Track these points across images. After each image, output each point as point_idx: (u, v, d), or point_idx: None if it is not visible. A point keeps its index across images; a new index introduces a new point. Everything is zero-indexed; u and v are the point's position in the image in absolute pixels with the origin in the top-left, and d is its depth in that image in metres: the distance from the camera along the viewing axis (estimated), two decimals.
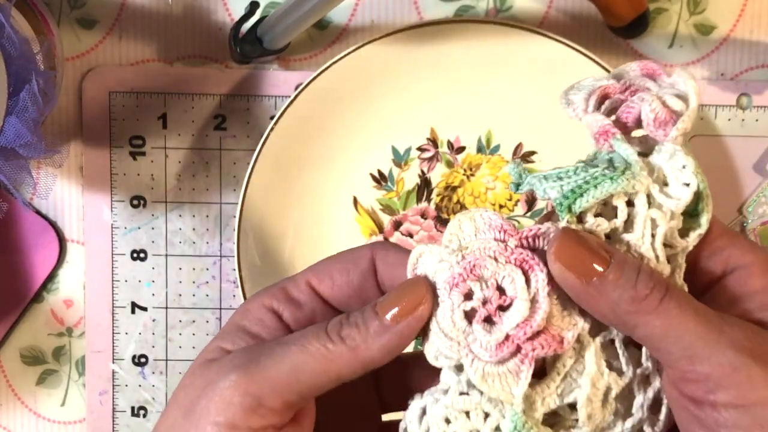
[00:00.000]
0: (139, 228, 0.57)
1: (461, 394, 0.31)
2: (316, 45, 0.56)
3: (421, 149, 0.56)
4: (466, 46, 0.54)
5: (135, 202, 0.57)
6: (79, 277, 0.58)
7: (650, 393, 0.32)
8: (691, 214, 0.31)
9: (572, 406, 0.31)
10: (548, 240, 0.31)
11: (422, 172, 0.56)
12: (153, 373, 0.58)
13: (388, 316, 0.31)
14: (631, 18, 0.52)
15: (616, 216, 0.31)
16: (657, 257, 0.31)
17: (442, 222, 0.56)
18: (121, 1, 0.56)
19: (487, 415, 0.31)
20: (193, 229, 0.57)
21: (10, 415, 0.59)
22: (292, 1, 0.49)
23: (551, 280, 0.30)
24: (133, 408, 0.58)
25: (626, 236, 0.31)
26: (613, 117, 0.32)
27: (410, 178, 0.56)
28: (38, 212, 0.57)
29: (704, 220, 0.31)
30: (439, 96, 0.55)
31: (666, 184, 0.31)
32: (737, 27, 0.56)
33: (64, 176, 0.57)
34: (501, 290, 0.31)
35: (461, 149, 0.56)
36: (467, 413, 0.31)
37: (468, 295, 0.31)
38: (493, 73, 0.54)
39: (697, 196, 0.31)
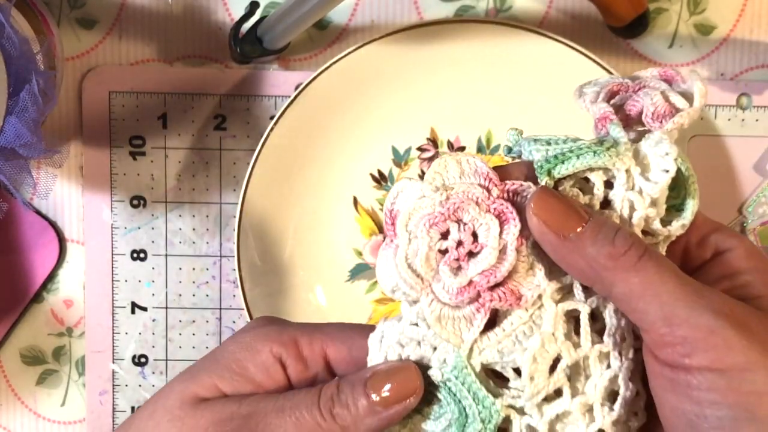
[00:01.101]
0: (139, 228, 0.57)
1: (411, 324, 0.32)
2: (316, 45, 0.56)
3: (421, 149, 0.56)
4: (466, 46, 0.54)
5: (135, 202, 0.57)
6: (79, 277, 0.58)
7: (607, 375, 0.32)
8: (678, 208, 0.32)
9: (519, 373, 0.32)
10: (527, 197, 0.31)
11: (422, 172, 0.56)
12: (153, 373, 0.58)
13: (377, 398, 0.31)
14: (631, 18, 0.52)
15: (593, 195, 0.32)
16: None
17: None
18: (121, 1, 0.56)
19: (434, 348, 0.32)
20: (193, 229, 0.57)
21: (10, 415, 0.59)
22: (292, 1, 0.49)
23: (522, 235, 0.31)
24: (133, 408, 0.58)
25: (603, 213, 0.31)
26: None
27: None
28: (38, 212, 0.57)
29: (688, 211, 0.32)
30: (439, 96, 0.55)
31: (648, 171, 0.32)
32: (737, 27, 0.56)
33: (64, 176, 0.57)
34: (474, 236, 0.31)
35: (461, 149, 0.56)
36: (419, 342, 0.32)
37: (444, 235, 0.31)
38: (493, 73, 0.54)
39: (685, 189, 0.32)
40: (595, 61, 0.52)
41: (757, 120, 0.56)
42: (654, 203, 0.31)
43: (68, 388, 0.59)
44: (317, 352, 0.34)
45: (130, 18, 0.56)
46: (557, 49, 0.53)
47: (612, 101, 0.33)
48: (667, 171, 0.31)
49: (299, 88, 0.53)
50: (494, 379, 0.32)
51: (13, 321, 0.58)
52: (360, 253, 0.57)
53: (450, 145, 0.56)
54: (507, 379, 0.32)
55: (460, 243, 0.31)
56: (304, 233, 0.56)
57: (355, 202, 0.56)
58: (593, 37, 0.56)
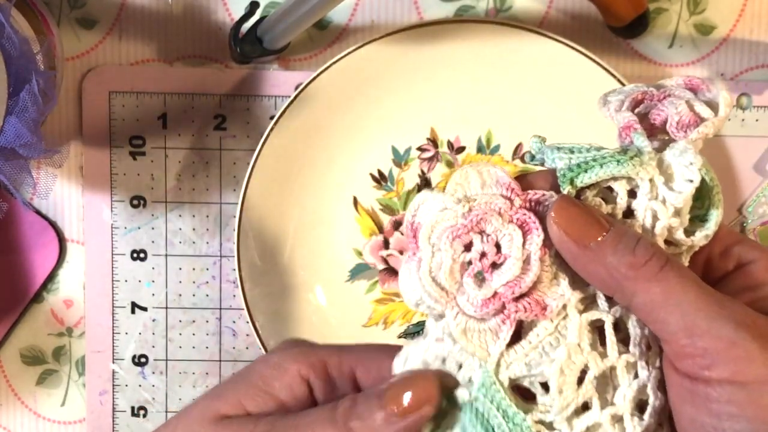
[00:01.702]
0: (139, 228, 0.57)
1: (437, 340, 0.32)
2: (316, 45, 0.56)
3: (421, 149, 0.56)
4: (466, 46, 0.54)
5: (135, 202, 0.57)
6: (79, 277, 0.58)
7: (635, 385, 0.31)
8: (701, 218, 0.32)
9: (546, 388, 0.31)
10: (549, 206, 0.31)
11: (422, 172, 0.56)
12: (153, 373, 0.58)
13: (394, 409, 0.31)
14: (631, 18, 0.52)
15: (616, 204, 0.32)
16: None
17: None
18: (121, 1, 0.56)
19: (460, 366, 0.32)
20: (193, 229, 0.58)
21: (10, 415, 0.59)
22: (292, 1, 0.49)
23: (545, 245, 0.31)
24: (133, 408, 0.58)
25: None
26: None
27: (410, 178, 0.56)
28: (38, 212, 0.57)
29: (712, 221, 0.32)
30: (439, 96, 0.55)
31: (672, 180, 0.31)
32: (737, 27, 0.56)
33: (64, 176, 0.57)
34: (498, 247, 0.31)
35: (461, 149, 0.56)
36: (443, 359, 0.32)
37: (467, 247, 0.31)
38: (493, 73, 0.54)
39: (709, 199, 0.32)
40: (595, 61, 0.52)
41: (757, 120, 0.56)
42: (678, 213, 0.31)
43: (68, 388, 0.59)
44: (346, 374, 0.34)
45: (130, 18, 0.56)
46: (557, 49, 0.53)
47: (636, 110, 0.33)
48: (692, 181, 0.31)
49: (299, 88, 0.53)
50: (520, 396, 0.32)
51: (13, 321, 0.58)
52: (360, 253, 0.57)
53: (450, 145, 0.56)
54: (532, 396, 0.32)
55: (483, 254, 0.31)
56: (304, 233, 0.56)
57: (355, 202, 0.56)
58: (593, 37, 0.56)
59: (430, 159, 0.56)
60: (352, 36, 0.56)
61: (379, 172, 0.56)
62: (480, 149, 0.56)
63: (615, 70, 0.53)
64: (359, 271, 0.57)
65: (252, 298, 0.55)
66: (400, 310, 0.57)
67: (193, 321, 0.58)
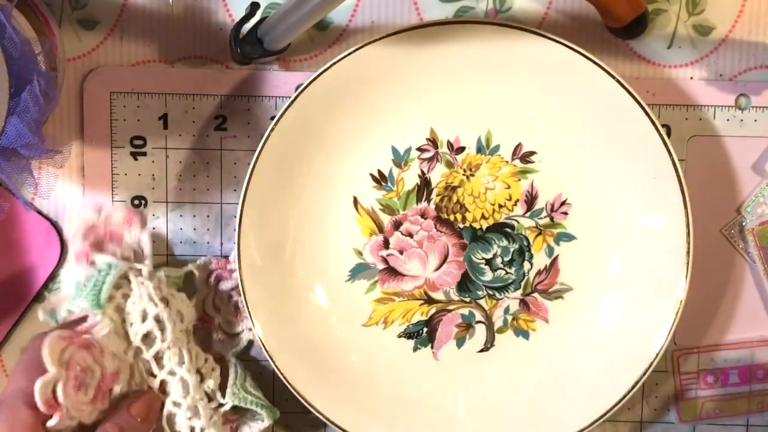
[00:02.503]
0: None
1: None
2: (317, 46, 0.57)
3: (421, 149, 0.56)
4: (466, 46, 0.54)
5: (136, 202, 0.57)
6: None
7: None
8: None
9: None
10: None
11: (422, 172, 0.56)
12: None
13: None
14: (630, 19, 0.52)
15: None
16: None
17: (441, 222, 0.56)
18: (122, 2, 0.56)
19: None
20: (194, 229, 0.58)
21: None
22: (292, 2, 0.50)
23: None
24: None
25: None
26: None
27: (410, 178, 0.56)
28: (39, 212, 0.58)
29: None
30: (439, 96, 0.55)
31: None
32: (736, 28, 0.56)
33: (65, 176, 0.57)
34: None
35: (461, 149, 0.56)
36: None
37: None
38: (492, 74, 0.55)
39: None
40: (594, 61, 0.52)
41: (755, 120, 0.56)
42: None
43: None
44: None
45: (131, 19, 0.56)
46: (556, 50, 0.53)
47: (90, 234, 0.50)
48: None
49: (300, 89, 0.53)
50: None
51: (14, 320, 0.58)
52: (360, 253, 0.57)
53: (450, 146, 0.56)
54: None
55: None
56: (304, 233, 0.56)
57: (355, 202, 0.56)
58: (592, 38, 0.56)
59: (430, 159, 0.56)
60: (352, 37, 0.57)
61: (379, 172, 0.56)
62: (480, 149, 0.56)
63: (614, 70, 0.53)
64: (359, 270, 0.57)
65: (252, 298, 0.55)
66: (400, 309, 0.57)
67: None
